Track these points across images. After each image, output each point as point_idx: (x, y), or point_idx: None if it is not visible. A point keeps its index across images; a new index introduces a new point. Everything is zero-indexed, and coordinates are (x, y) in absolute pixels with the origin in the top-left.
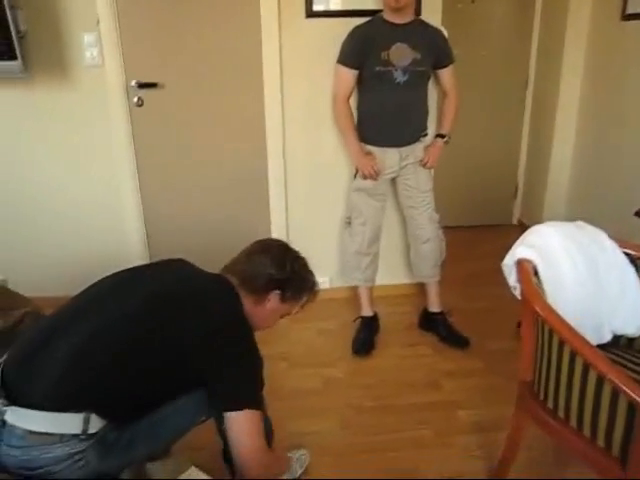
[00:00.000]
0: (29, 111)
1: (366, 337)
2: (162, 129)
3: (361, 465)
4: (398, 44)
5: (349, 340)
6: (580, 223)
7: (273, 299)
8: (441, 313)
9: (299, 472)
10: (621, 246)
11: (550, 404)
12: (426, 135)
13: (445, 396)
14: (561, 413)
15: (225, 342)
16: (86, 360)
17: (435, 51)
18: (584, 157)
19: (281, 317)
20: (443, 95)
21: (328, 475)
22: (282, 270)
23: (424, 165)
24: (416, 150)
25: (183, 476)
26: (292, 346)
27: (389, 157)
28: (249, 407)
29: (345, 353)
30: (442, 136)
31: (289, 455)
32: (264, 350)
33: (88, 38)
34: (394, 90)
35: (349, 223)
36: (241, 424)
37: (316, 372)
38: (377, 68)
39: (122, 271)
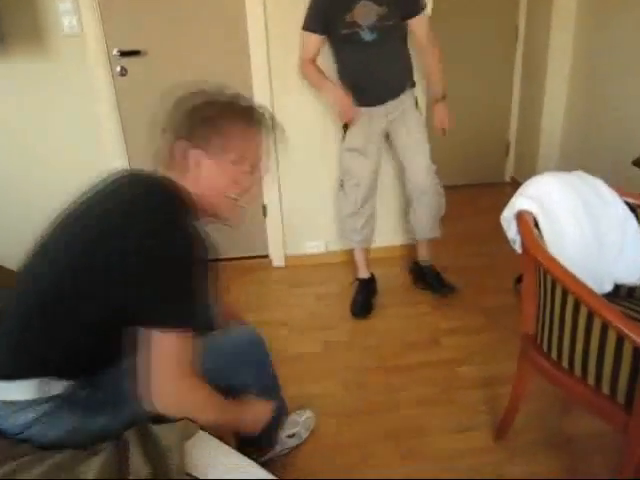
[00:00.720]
0: (6, 83)
1: (364, 299)
2: (148, 99)
3: (367, 425)
4: (362, 2)
5: (348, 303)
6: (579, 173)
7: (197, 158)
8: (431, 267)
9: (304, 435)
10: (620, 195)
11: (554, 355)
12: (414, 86)
13: (446, 354)
14: (565, 363)
15: (146, 253)
16: (24, 323)
17: (401, 1)
18: (576, 110)
19: (243, 189)
20: (418, 52)
21: (336, 437)
22: (188, 119)
23: (439, 131)
24: (404, 102)
25: (191, 441)
26: (291, 312)
27: (376, 114)
28: (171, 326)
29: (344, 316)
30: (440, 97)
31: (295, 417)
32: (263, 316)
33: (64, 5)
34: (363, 50)
35: (342, 185)
36: (155, 346)
37: (316, 336)
38: (343, 31)
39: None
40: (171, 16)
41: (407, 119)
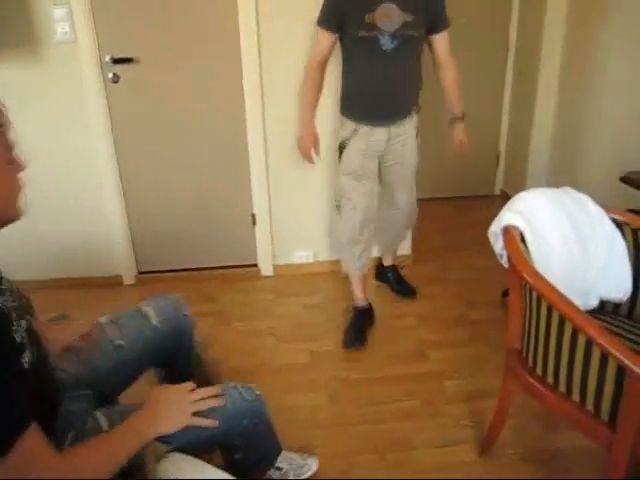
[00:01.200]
0: None
1: (359, 329)
2: (140, 106)
3: (352, 437)
4: (385, 4)
5: (335, 314)
6: (566, 189)
7: None
8: (393, 266)
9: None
10: (607, 212)
11: (539, 370)
12: (419, 111)
13: (432, 367)
14: (550, 379)
15: None
16: None
17: (432, 12)
18: (566, 124)
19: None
20: (437, 66)
21: (321, 448)
22: None
23: (460, 151)
24: (406, 126)
25: (169, 460)
26: (278, 321)
27: (377, 136)
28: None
29: (331, 327)
30: (460, 117)
31: (298, 458)
32: (250, 326)
33: (58, 12)
34: (381, 59)
35: (339, 208)
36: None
37: (303, 346)
38: (360, 33)
39: None
40: (163, 23)
41: (406, 150)
